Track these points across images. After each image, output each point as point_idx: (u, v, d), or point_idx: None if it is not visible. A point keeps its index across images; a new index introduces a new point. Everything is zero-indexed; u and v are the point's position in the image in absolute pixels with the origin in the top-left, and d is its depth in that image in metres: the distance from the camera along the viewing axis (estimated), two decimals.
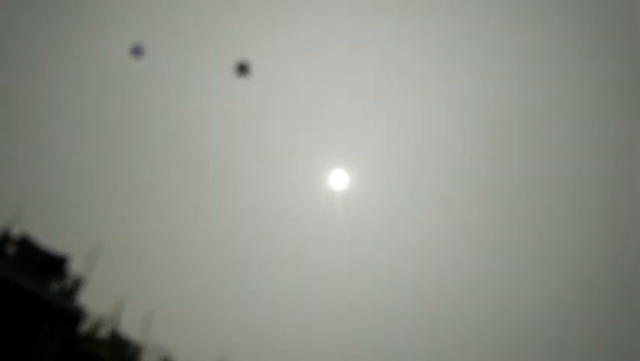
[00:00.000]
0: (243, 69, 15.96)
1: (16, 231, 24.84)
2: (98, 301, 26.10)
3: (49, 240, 25.76)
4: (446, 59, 78.25)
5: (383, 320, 69.76)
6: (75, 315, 23.61)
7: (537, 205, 73.51)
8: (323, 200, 76.74)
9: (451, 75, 77.83)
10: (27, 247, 24.31)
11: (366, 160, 79.65)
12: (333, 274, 77.57)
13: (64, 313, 23.18)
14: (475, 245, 75.20)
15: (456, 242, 75.60)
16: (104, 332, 25.12)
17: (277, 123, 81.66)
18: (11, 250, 24.14)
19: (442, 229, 75.98)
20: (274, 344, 58.87)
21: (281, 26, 76.46)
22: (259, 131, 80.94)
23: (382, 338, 68.06)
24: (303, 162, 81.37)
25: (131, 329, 27.08)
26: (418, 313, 71.00)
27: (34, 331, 22.17)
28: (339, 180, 77.07)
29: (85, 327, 24.56)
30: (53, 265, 24.45)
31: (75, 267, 25.96)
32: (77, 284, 25.25)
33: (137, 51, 15.88)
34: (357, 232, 79.31)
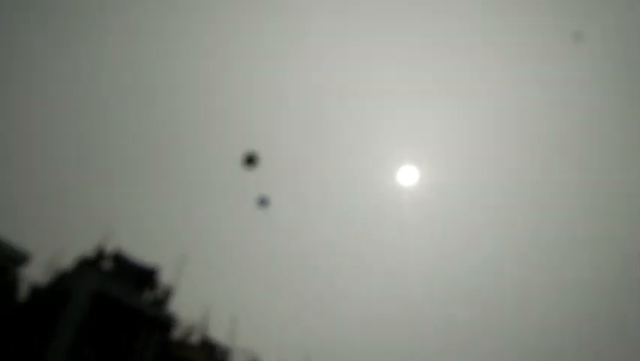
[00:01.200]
0: (250, 161, 16.53)
1: (110, 248, 26.90)
2: (187, 309, 27.66)
3: (138, 254, 27.68)
4: (520, 55, 75.24)
5: (451, 319, 68.12)
6: (167, 322, 25.17)
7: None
8: (392, 196, 76.07)
9: (524, 71, 74.87)
10: (121, 262, 26.25)
11: (436, 156, 78.24)
12: (401, 270, 76.80)
13: (158, 321, 24.79)
14: (553, 246, 71.72)
15: (529, 243, 72.50)
16: (194, 338, 26.58)
17: (345, 121, 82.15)
18: (107, 265, 26.15)
19: (513, 229, 73.15)
20: (352, 343, 59.25)
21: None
22: (327, 131, 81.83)
23: (452, 340, 66.48)
24: (372, 159, 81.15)
25: (218, 334, 28.49)
26: (487, 312, 68.67)
27: (132, 338, 23.89)
28: (408, 176, 76.19)
29: (177, 333, 26.12)
30: (145, 276, 26.21)
31: (164, 278, 27.71)
32: (168, 294, 26.88)
33: (263, 202, 16.94)
34: (426, 229, 78.02)
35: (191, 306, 28.99)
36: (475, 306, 70.25)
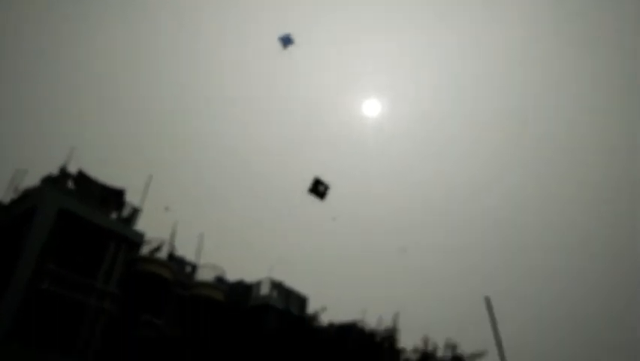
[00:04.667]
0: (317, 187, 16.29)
1: (74, 168, 26.88)
2: (153, 228, 28.43)
3: (103, 175, 27.80)
4: None
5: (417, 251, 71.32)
6: (135, 239, 25.89)
7: None
8: (357, 129, 76.43)
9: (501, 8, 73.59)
10: (85, 182, 26.38)
11: (402, 88, 78.00)
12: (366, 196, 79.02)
13: (125, 238, 25.47)
14: (524, 171, 73.94)
15: (504, 170, 74.49)
16: (161, 255, 27.54)
17: (308, 59, 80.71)
18: (71, 185, 26.25)
19: (484, 156, 74.83)
20: (314, 265, 61.95)
21: None
22: (289, 65, 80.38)
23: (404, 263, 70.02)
24: (334, 93, 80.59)
25: (185, 251, 29.57)
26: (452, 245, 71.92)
27: (99, 256, 24.55)
28: (372, 109, 76.56)
29: (144, 251, 26.98)
30: (111, 197, 26.53)
31: (130, 198, 28.11)
32: (134, 213, 27.40)
33: (285, 40, 16.10)
34: (392, 160, 79.56)
35: (157, 226, 29.76)
36: (435, 232, 73.49)
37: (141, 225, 27.24)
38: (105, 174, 28.28)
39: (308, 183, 19.75)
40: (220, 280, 29.23)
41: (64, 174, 25.76)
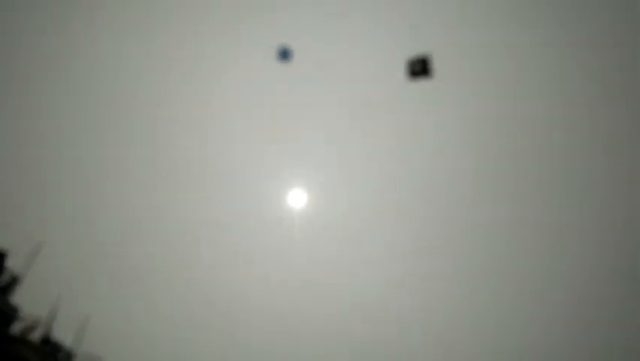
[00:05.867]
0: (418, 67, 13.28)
1: None
2: (32, 302, 24.82)
3: None
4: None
5: (347, 344, 68.79)
6: (8, 314, 22.35)
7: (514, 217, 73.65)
8: (281, 222, 75.63)
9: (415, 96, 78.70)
10: None
11: (325, 179, 79.28)
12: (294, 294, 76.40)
13: None
14: (449, 261, 75.06)
15: (423, 259, 75.19)
16: (36, 335, 23.86)
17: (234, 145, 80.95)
18: None
19: (407, 245, 75.43)
20: None
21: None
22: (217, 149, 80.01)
23: None
24: (259, 182, 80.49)
25: (65, 334, 25.81)
26: (386, 338, 70.25)
27: None
28: (297, 200, 76.35)
29: (17, 328, 23.25)
30: None
31: (12, 263, 24.69)
32: (12, 282, 23.96)
33: (283, 54, 14.36)
34: (318, 253, 78.42)
35: (38, 300, 26.08)
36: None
37: (20, 296, 23.70)
38: None
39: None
40: None
41: None
